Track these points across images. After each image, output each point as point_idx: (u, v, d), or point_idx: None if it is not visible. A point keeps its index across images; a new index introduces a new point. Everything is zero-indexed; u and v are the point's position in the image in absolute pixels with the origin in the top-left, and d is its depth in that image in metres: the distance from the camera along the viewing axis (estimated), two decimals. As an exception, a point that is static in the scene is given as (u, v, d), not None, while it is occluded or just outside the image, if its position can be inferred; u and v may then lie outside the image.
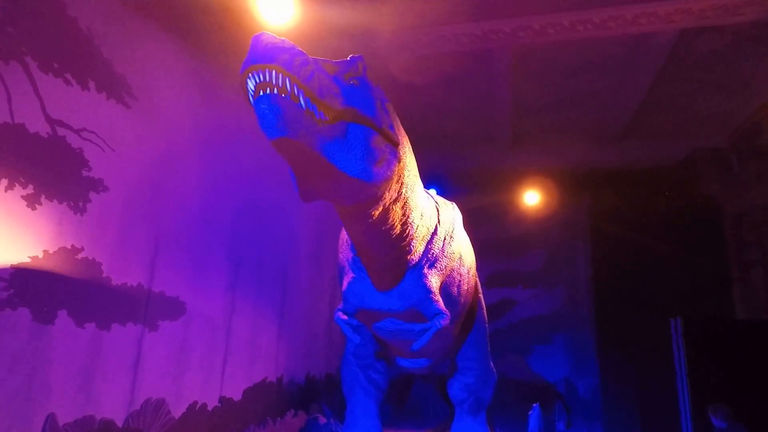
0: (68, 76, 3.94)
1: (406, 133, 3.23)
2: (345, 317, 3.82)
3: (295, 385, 7.66)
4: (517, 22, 6.04)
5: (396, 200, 3.03)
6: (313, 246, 8.25)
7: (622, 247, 9.09)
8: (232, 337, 6.04)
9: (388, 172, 2.71)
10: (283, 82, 2.13)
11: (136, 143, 4.58)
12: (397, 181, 2.98)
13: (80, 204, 3.98)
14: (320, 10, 5.41)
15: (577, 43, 6.54)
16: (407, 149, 3.14)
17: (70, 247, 3.92)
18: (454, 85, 7.97)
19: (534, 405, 6.92)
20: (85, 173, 4.04)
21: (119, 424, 4.43)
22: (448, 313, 3.77)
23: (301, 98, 2.19)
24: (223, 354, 5.89)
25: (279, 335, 7.16)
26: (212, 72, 5.79)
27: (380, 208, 2.94)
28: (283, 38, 2.20)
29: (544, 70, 7.48)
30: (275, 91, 2.14)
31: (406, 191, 3.14)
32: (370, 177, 2.53)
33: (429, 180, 10.29)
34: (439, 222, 3.87)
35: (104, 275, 4.20)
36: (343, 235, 4.07)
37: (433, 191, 4.41)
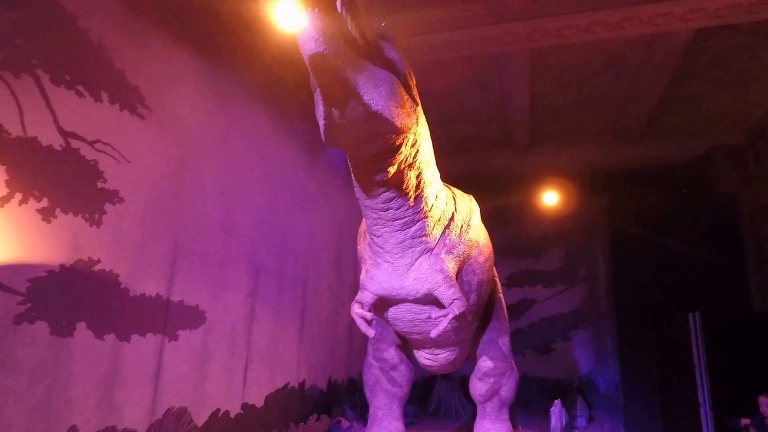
0: (80, 88, 3.93)
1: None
2: (360, 311, 3.82)
3: (318, 389, 7.63)
4: (533, 24, 6.04)
5: (411, 166, 3.08)
6: (333, 252, 8.21)
7: (640, 244, 9.11)
8: (253, 344, 6.01)
9: (408, 120, 2.77)
10: None
11: (151, 154, 4.56)
12: (413, 145, 3.03)
13: (96, 216, 3.97)
14: (332, 15, 5.35)
15: (593, 44, 6.55)
16: (423, 121, 3.17)
17: (87, 260, 3.91)
18: (472, 89, 7.96)
19: (555, 402, 6.87)
20: (100, 185, 4.03)
21: (142, 434, 4.43)
22: (464, 300, 3.76)
23: (347, 18, 2.27)
24: (245, 361, 5.87)
25: (300, 341, 7.12)
26: (226, 79, 5.76)
27: (395, 165, 2.98)
28: None
29: (561, 71, 7.47)
30: (319, 18, 2.16)
31: (420, 161, 3.18)
32: (391, 115, 2.58)
33: (448, 183, 10.33)
34: (456, 210, 3.92)
35: (122, 286, 4.18)
36: (361, 228, 4.09)
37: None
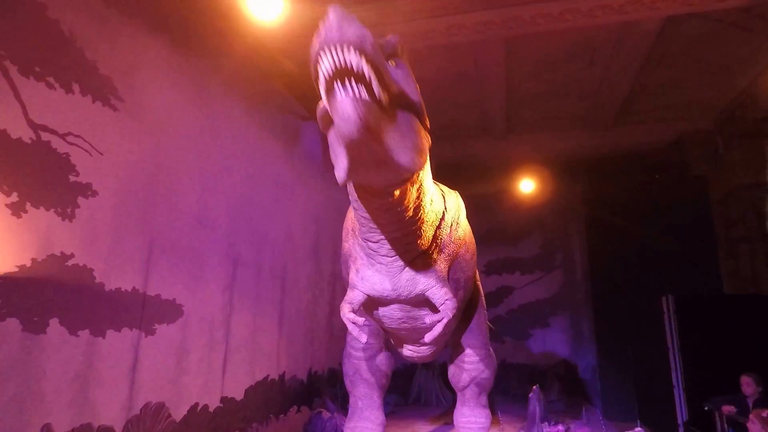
0: (51, 79, 3.82)
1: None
2: (352, 315, 3.75)
3: (298, 381, 7.63)
4: (507, 13, 6.08)
5: (413, 182, 3.09)
6: (311, 242, 8.18)
7: (615, 230, 9.25)
8: (231, 337, 5.98)
9: (424, 160, 2.78)
10: (359, 66, 2.09)
11: (124, 146, 4.47)
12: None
13: (68, 210, 3.89)
14: (308, 4, 5.30)
15: (566, 32, 6.61)
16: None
17: (59, 254, 3.82)
18: (448, 77, 7.97)
19: (534, 387, 7.00)
20: (72, 178, 3.93)
21: (118, 430, 4.37)
22: (455, 300, 3.78)
23: (374, 85, 2.18)
24: (223, 354, 5.83)
25: (280, 333, 7.11)
26: (200, 69, 5.67)
27: (401, 190, 3.00)
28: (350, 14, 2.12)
29: (536, 59, 7.53)
30: (353, 83, 2.12)
31: (422, 175, 3.20)
32: (415, 167, 2.59)
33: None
34: (446, 209, 3.91)
35: (97, 281, 4.11)
36: (348, 224, 4.05)
37: None
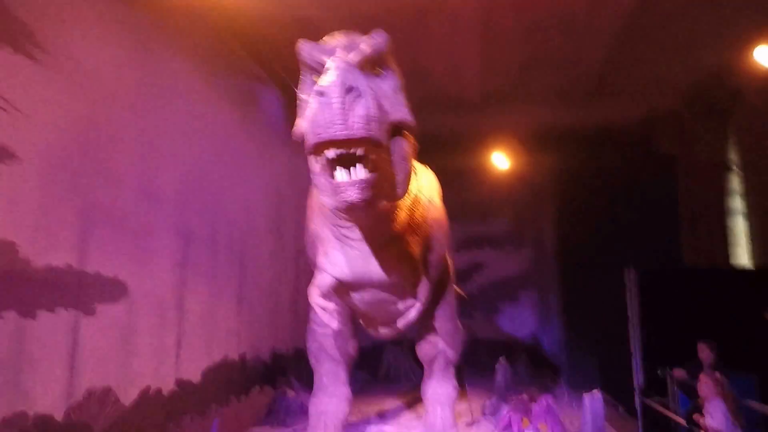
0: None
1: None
2: (321, 300, 3.68)
3: (260, 361, 7.35)
4: None
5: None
6: (273, 217, 7.82)
7: (584, 206, 9.42)
8: (185, 317, 5.63)
9: (410, 180, 2.89)
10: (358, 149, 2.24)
11: (50, 105, 3.99)
12: None
13: (-18, 177, 3.44)
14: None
15: (542, 2, 6.49)
16: None
17: (-26, 227, 3.40)
18: (421, 46, 7.65)
19: (500, 359, 7.05)
20: (-16, 140, 3.48)
21: (59, 418, 4.02)
22: (428, 283, 3.66)
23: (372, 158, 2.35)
24: (176, 335, 5.49)
25: (239, 312, 6.78)
26: (145, 23, 5.14)
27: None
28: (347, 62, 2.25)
29: (511, 28, 7.29)
30: (357, 171, 2.31)
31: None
32: (403, 194, 2.77)
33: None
34: (419, 189, 3.85)
35: (20, 256, 3.69)
36: (313, 203, 3.93)
37: None
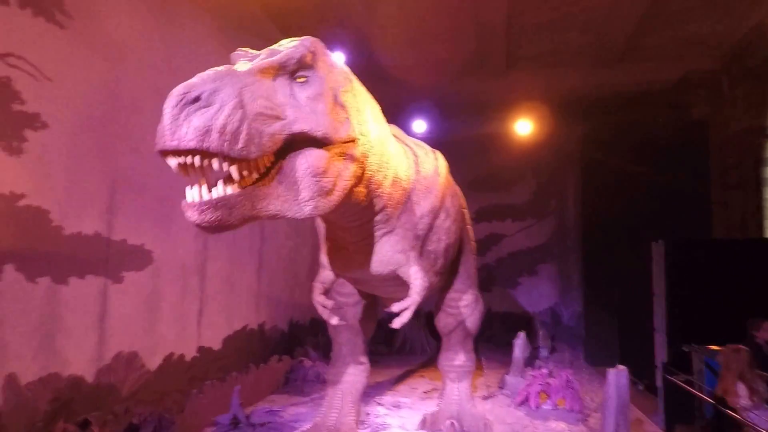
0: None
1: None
2: (322, 298, 3.81)
3: (279, 330, 7.45)
4: None
5: (357, 185, 2.85)
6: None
7: (611, 174, 8.89)
8: (207, 285, 5.71)
9: (341, 192, 2.59)
10: (206, 167, 2.01)
11: (77, 71, 3.99)
12: (357, 176, 2.80)
13: (14, 144, 3.47)
14: None
15: None
16: (368, 129, 2.87)
17: (8, 194, 3.45)
18: (443, 6, 7.30)
19: (519, 333, 7.00)
20: (16, 107, 3.49)
21: (90, 380, 4.16)
22: (426, 277, 3.68)
23: (233, 172, 2.08)
24: (199, 303, 5.57)
25: (259, 282, 6.85)
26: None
27: (339, 202, 2.75)
28: (200, 80, 2.01)
29: None
30: (201, 192, 2.07)
31: (370, 172, 2.96)
32: (323, 210, 2.48)
33: (416, 112, 9.83)
34: (417, 178, 3.73)
35: (54, 224, 3.75)
36: None
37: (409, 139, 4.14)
